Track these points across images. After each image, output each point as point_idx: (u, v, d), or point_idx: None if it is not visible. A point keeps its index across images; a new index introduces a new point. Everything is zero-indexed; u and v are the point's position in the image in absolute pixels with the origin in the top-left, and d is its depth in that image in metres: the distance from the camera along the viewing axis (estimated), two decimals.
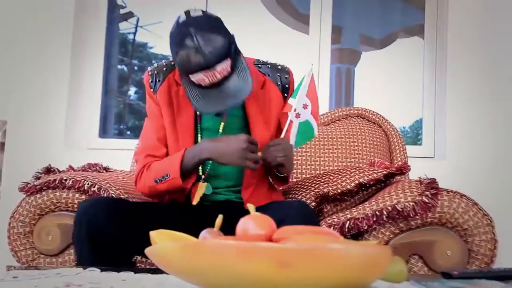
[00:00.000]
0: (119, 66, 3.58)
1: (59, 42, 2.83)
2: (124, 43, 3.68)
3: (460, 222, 1.53)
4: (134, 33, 3.67)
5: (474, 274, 1.12)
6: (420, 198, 1.51)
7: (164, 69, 1.62)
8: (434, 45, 2.88)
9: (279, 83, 1.66)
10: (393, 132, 2.32)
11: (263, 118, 1.61)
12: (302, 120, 1.59)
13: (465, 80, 2.73)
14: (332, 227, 1.54)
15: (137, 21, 3.60)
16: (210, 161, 1.54)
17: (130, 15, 3.55)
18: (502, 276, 1.10)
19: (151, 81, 1.61)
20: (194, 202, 1.52)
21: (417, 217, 1.53)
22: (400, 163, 2.25)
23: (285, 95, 1.66)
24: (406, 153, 2.28)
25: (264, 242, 0.82)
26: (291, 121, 1.57)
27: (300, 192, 1.72)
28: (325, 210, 1.66)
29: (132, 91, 3.72)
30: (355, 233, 1.55)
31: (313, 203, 1.64)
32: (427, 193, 1.52)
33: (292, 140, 1.59)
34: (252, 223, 0.86)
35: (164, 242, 0.89)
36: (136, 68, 3.80)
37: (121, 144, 2.83)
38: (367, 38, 5.01)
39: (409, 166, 1.76)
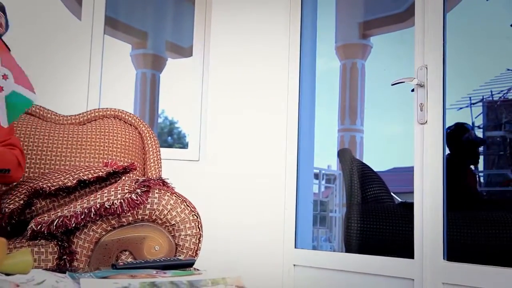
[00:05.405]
0: None
1: None
2: None
3: (168, 218, 1.62)
4: None
5: (136, 265, 1.20)
6: (129, 196, 1.57)
7: None
8: (201, 62, 3.02)
9: None
10: (148, 134, 2.38)
11: None
12: (8, 92, 1.50)
13: (224, 93, 2.93)
14: (40, 225, 1.52)
15: None
16: None
17: None
18: (161, 265, 1.20)
19: None
20: None
21: (129, 214, 1.58)
22: (153, 164, 2.33)
23: None
24: (159, 155, 2.36)
25: None
26: None
27: (17, 188, 1.67)
28: (38, 205, 1.63)
29: None
30: (66, 230, 1.56)
31: (25, 198, 1.61)
32: (138, 190, 1.59)
33: (3, 118, 1.50)
34: None
35: None
36: None
37: None
38: (174, 45, 5.10)
39: (135, 166, 1.82)
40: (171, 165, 2.60)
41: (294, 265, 2.68)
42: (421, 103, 2.20)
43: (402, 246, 2.54)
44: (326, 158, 5.78)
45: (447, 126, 2.20)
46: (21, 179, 1.83)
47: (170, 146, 6.44)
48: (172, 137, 6.94)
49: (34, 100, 1.49)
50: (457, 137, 3.27)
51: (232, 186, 2.85)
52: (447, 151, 3.23)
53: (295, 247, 2.71)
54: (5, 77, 1.46)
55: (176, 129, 6.32)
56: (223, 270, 2.44)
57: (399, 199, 4.52)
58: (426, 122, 2.18)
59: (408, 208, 2.88)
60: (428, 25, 2.20)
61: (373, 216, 2.92)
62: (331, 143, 5.39)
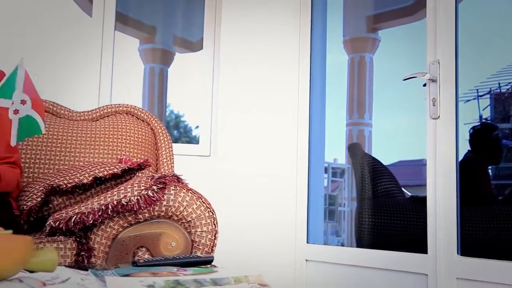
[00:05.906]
0: None
1: None
2: None
3: (184, 214, 1.63)
4: None
5: (156, 262, 1.20)
6: (146, 192, 1.57)
7: None
8: (212, 59, 3.01)
9: None
10: (160, 130, 2.39)
11: None
12: (22, 115, 1.56)
13: (234, 89, 2.93)
14: (58, 222, 1.54)
15: None
16: None
17: None
18: (181, 262, 1.21)
19: None
20: None
21: (145, 210, 1.59)
22: (165, 160, 2.34)
23: None
24: (172, 150, 2.37)
25: None
26: (10, 120, 1.54)
27: (34, 185, 1.69)
28: (55, 202, 1.65)
29: None
30: (84, 227, 1.57)
31: (42, 195, 1.62)
32: (154, 187, 1.59)
33: (13, 138, 1.55)
34: None
35: None
36: None
37: None
38: (182, 40, 5.10)
39: (149, 162, 1.83)
40: (181, 160, 2.60)
41: (306, 260, 2.68)
42: (433, 98, 2.19)
43: (414, 241, 2.55)
44: (334, 152, 5.76)
45: (468, 125, 2.18)
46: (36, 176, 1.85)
47: (176, 140, 6.46)
48: (179, 131, 6.94)
49: (43, 130, 1.55)
50: (484, 136, 3.23)
51: (243, 182, 2.86)
52: (466, 149, 3.21)
53: (307, 242, 2.72)
54: (23, 102, 1.52)
55: (183, 122, 6.31)
56: (236, 266, 2.45)
57: (409, 193, 4.51)
58: (439, 117, 2.17)
59: (419, 202, 2.88)
60: (440, 18, 2.19)
61: (384, 210, 2.92)
62: (339, 137, 5.37)
